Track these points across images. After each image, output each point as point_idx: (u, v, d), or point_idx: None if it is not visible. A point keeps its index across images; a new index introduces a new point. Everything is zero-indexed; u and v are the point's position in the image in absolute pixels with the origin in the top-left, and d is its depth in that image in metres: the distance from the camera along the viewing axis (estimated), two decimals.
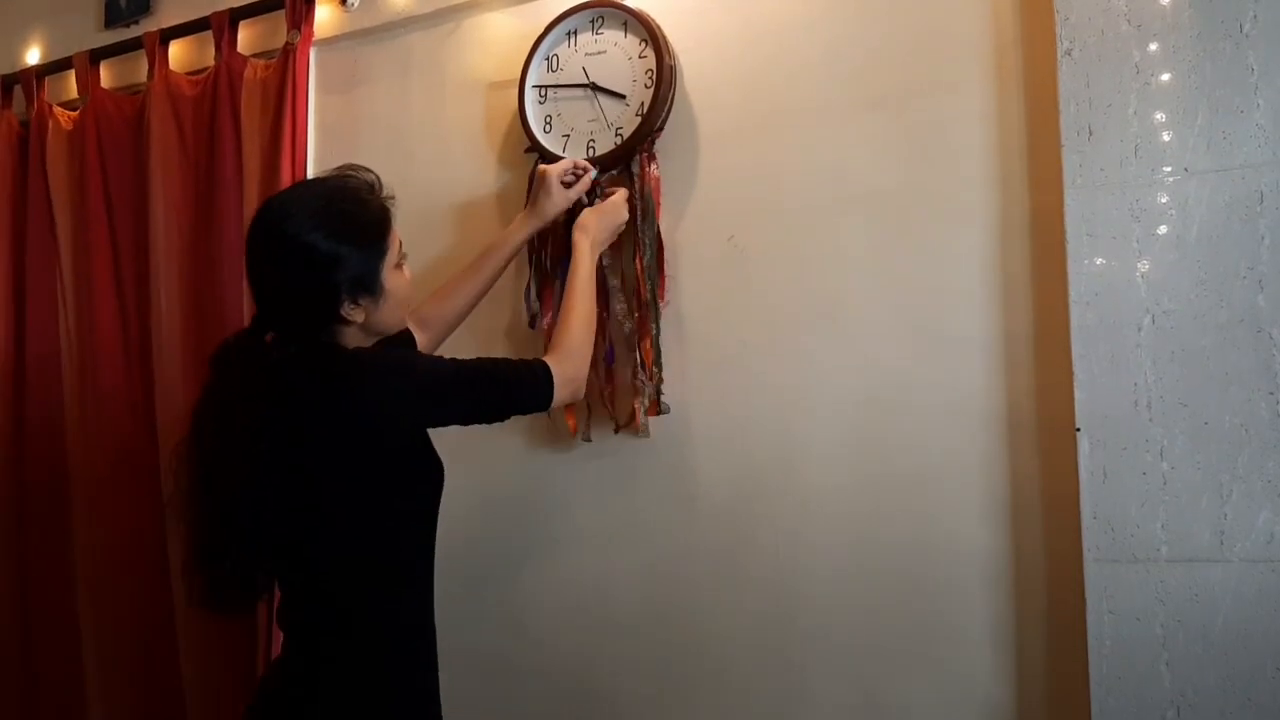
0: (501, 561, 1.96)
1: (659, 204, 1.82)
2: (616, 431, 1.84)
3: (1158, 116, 1.44)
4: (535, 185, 1.80)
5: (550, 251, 1.89)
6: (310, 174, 2.20)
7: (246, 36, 2.28)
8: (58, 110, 2.46)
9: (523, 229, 1.78)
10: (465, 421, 1.50)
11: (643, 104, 1.82)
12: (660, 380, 1.79)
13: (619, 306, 1.83)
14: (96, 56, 2.43)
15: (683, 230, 1.85)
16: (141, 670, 2.23)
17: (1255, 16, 1.40)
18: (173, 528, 2.09)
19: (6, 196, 2.49)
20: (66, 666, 2.31)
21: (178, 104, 2.29)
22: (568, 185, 1.78)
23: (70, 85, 2.47)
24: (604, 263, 1.82)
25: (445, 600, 1.99)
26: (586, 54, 1.90)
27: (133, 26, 2.47)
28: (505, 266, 1.81)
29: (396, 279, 1.47)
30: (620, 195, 1.78)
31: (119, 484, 2.27)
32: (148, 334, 2.27)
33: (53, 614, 2.35)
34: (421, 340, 1.72)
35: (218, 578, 1.40)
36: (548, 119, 1.91)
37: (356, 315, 1.43)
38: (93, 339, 2.33)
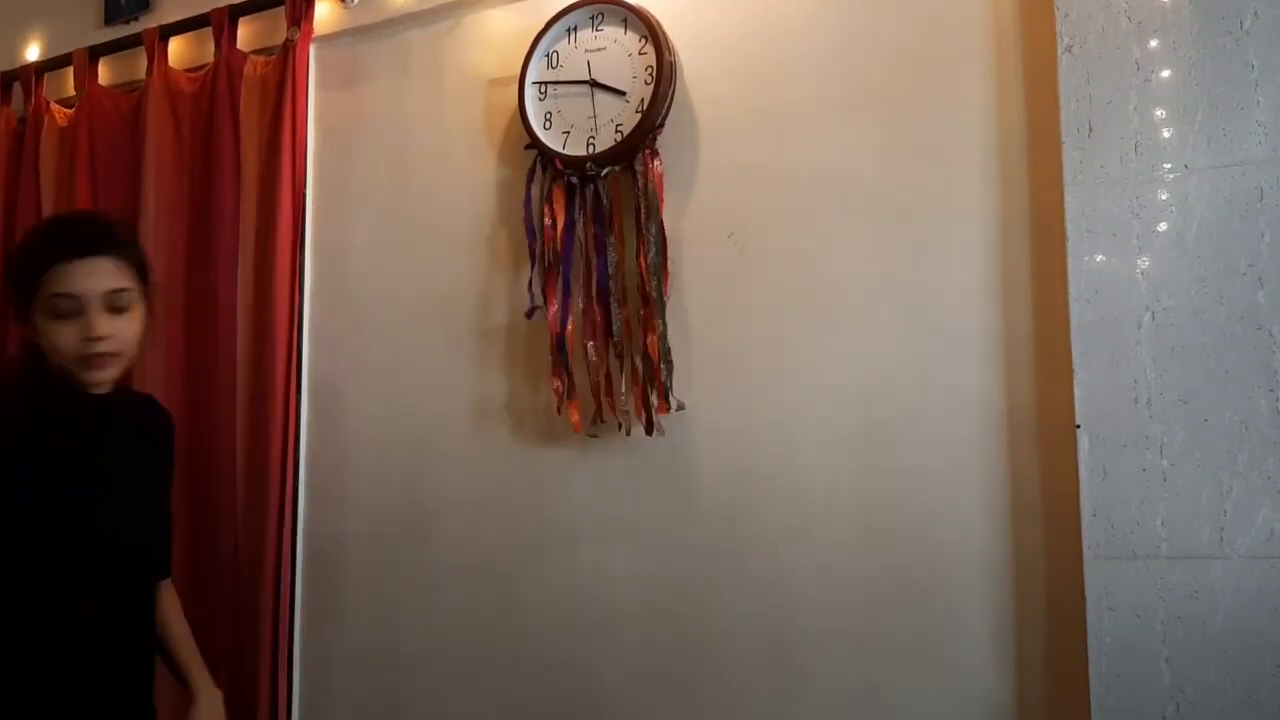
0: (502, 560, 1.96)
1: (663, 200, 1.82)
2: (628, 433, 1.83)
3: (1158, 113, 1.44)
4: None
5: (552, 245, 1.89)
6: (310, 173, 2.20)
7: (246, 33, 2.28)
8: (54, 107, 2.46)
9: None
10: None
11: (643, 100, 1.82)
12: (670, 377, 1.79)
13: (617, 305, 1.83)
14: (96, 53, 2.43)
15: (682, 228, 1.85)
16: None
17: (1255, 13, 1.40)
18: None
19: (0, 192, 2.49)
20: None
21: (175, 100, 2.29)
22: None
23: (70, 82, 2.47)
24: (607, 260, 1.83)
25: (445, 599, 2.00)
26: (587, 50, 1.90)
27: (132, 23, 2.47)
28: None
29: (49, 327, 1.40)
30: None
31: None
32: None
33: None
34: None
35: None
36: (548, 115, 1.91)
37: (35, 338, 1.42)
38: None
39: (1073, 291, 1.46)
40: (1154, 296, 1.42)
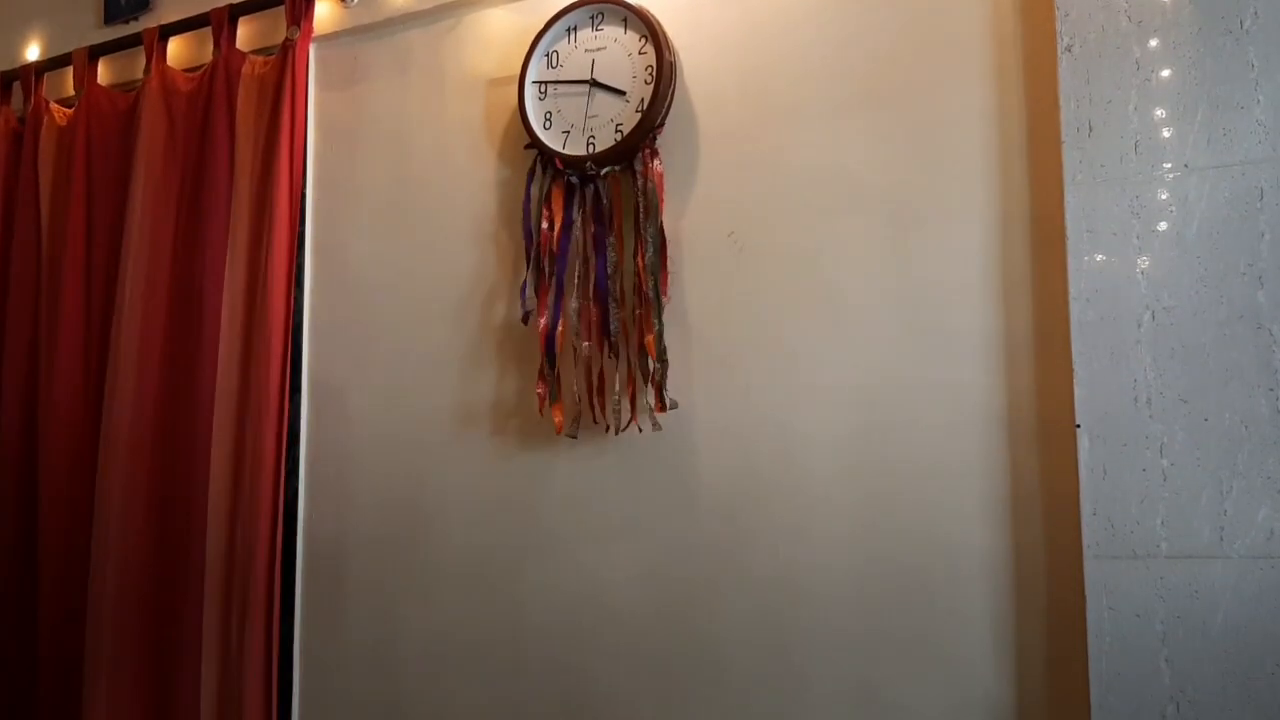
0: (501, 560, 1.96)
1: (663, 200, 1.82)
2: (617, 433, 1.83)
3: (1158, 113, 1.44)
4: None
5: (548, 249, 1.89)
6: (310, 173, 2.20)
7: (246, 33, 2.28)
8: (53, 106, 2.46)
9: None
10: None
11: (643, 100, 1.82)
12: (665, 375, 1.79)
13: (615, 304, 1.83)
14: (96, 53, 2.43)
15: (682, 227, 1.85)
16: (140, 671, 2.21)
17: (1255, 12, 1.40)
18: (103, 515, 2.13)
19: None
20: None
21: (171, 99, 2.29)
22: None
23: (70, 82, 2.47)
24: (606, 260, 1.83)
25: (446, 600, 2.00)
26: (586, 50, 1.90)
27: (132, 23, 2.47)
28: None
29: None
30: None
31: (70, 465, 2.27)
32: (109, 322, 2.26)
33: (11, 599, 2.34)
34: None
35: None
36: (548, 115, 1.91)
37: None
38: (55, 324, 2.32)
39: (1073, 291, 1.46)
40: (1154, 296, 1.42)
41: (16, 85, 2.55)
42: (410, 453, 2.06)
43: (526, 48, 1.94)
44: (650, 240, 1.80)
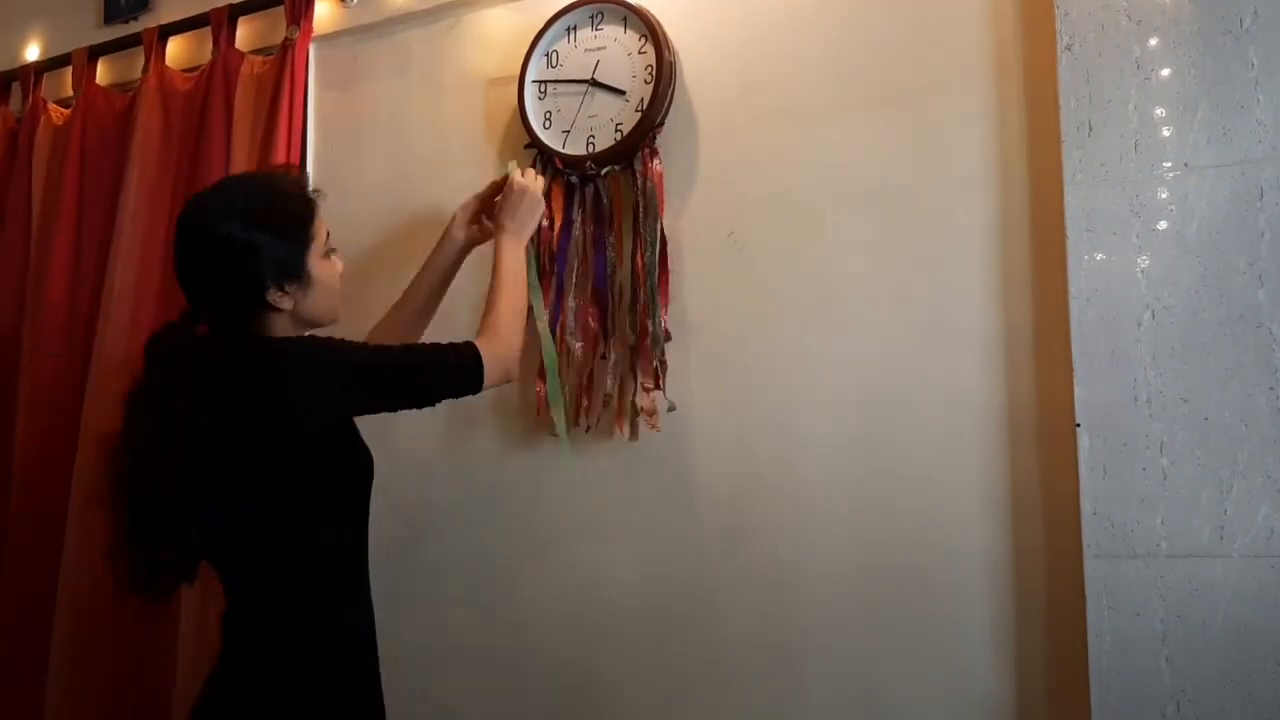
0: (500, 560, 1.95)
1: (662, 200, 1.82)
2: (616, 434, 1.83)
3: (1158, 112, 1.44)
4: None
5: (547, 250, 1.89)
6: (309, 172, 2.20)
7: (246, 33, 2.28)
8: (51, 106, 2.46)
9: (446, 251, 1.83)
10: (393, 406, 1.53)
11: (642, 100, 1.82)
12: (664, 376, 1.79)
13: (614, 304, 1.83)
14: (95, 53, 2.43)
15: (682, 227, 1.85)
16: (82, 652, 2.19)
17: (1255, 12, 1.40)
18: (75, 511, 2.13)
19: None
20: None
21: (168, 99, 2.29)
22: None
23: (69, 82, 2.47)
24: (605, 260, 1.83)
25: (445, 599, 2.00)
26: (586, 49, 1.90)
27: (132, 23, 2.47)
28: (450, 271, 1.84)
29: (324, 268, 1.52)
30: (528, 178, 1.77)
31: (46, 457, 2.27)
32: (95, 316, 2.25)
33: None
34: None
35: (149, 562, 1.41)
36: (547, 115, 1.91)
37: (284, 303, 1.47)
38: (40, 316, 2.32)
39: (1072, 290, 1.46)
40: (1154, 295, 1.42)
41: (16, 86, 2.55)
42: (411, 452, 2.05)
43: (526, 47, 1.94)
44: (650, 240, 1.80)
